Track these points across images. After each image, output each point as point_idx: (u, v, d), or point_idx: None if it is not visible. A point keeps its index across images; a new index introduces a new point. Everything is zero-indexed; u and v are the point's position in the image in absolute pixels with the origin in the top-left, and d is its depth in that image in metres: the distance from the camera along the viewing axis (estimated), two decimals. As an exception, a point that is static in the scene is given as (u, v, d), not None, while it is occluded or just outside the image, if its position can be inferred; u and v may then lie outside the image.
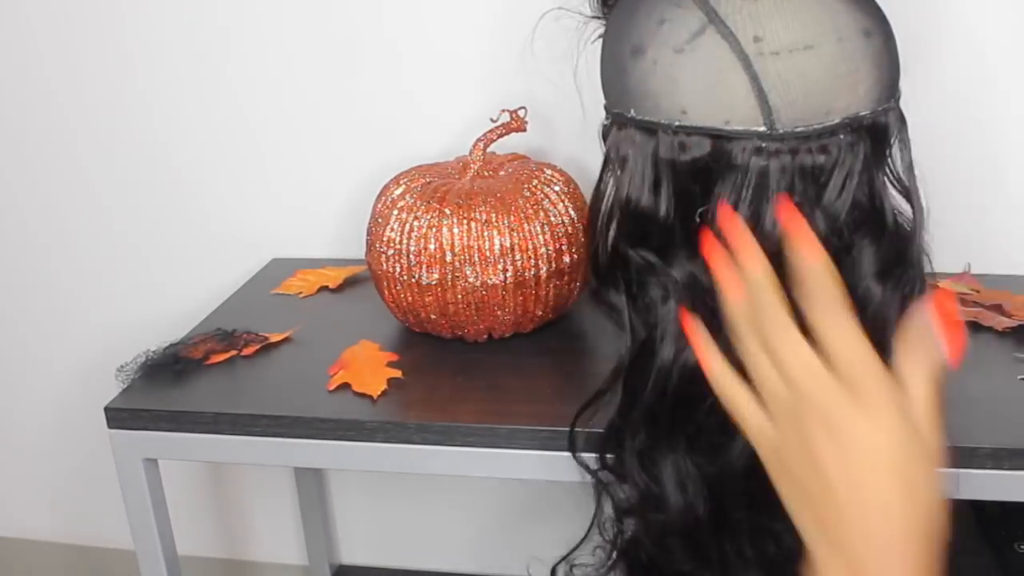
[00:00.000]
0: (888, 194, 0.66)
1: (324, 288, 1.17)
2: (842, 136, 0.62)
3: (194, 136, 1.29)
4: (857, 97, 0.62)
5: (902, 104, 0.66)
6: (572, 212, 0.98)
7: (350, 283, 1.19)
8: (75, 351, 1.45)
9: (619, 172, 0.68)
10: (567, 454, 0.81)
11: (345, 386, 0.92)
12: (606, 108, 0.70)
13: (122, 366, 0.97)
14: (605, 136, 0.71)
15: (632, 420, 0.71)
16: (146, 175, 1.32)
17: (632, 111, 0.66)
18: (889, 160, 0.66)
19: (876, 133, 0.64)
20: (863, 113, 0.63)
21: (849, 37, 0.61)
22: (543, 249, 0.95)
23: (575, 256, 0.98)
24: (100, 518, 1.54)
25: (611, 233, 0.70)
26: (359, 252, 1.04)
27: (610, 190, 0.70)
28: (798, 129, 0.61)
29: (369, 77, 1.21)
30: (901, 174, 0.67)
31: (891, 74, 0.65)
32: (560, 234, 0.96)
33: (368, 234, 1.01)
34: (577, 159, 1.13)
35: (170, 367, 0.97)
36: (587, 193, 1.02)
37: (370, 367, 0.95)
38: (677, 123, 0.63)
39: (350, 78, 1.22)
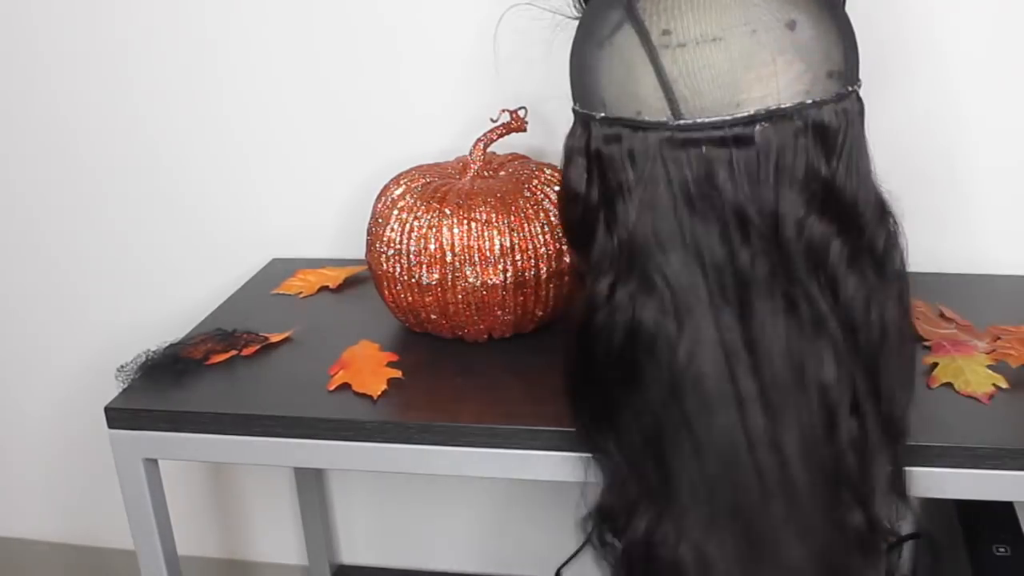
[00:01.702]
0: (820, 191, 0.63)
1: (324, 288, 1.17)
2: (759, 127, 0.61)
3: (195, 136, 1.29)
4: (775, 89, 0.61)
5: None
6: (572, 212, 0.98)
7: (350, 283, 1.19)
8: (75, 351, 1.45)
9: (566, 164, 0.71)
10: (567, 454, 0.81)
11: (345, 386, 0.92)
12: (572, 91, 0.72)
13: (122, 366, 0.97)
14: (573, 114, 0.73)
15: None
16: (146, 175, 1.32)
17: (578, 105, 0.69)
18: (836, 160, 0.64)
19: (806, 126, 0.62)
20: (785, 105, 0.61)
21: (766, 28, 0.61)
22: (543, 249, 0.95)
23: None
24: (100, 518, 1.54)
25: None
26: (359, 252, 1.04)
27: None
28: (706, 119, 0.62)
29: (369, 77, 1.21)
30: (843, 176, 0.64)
31: (827, 66, 0.63)
32: (560, 234, 0.96)
33: (368, 234, 1.01)
34: (577, 159, 1.13)
35: (170, 367, 0.97)
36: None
37: (370, 367, 0.95)
38: (601, 115, 0.66)
39: (350, 78, 1.22)
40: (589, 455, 0.76)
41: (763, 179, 0.62)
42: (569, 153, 0.70)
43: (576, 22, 0.72)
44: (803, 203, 0.62)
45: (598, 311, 0.67)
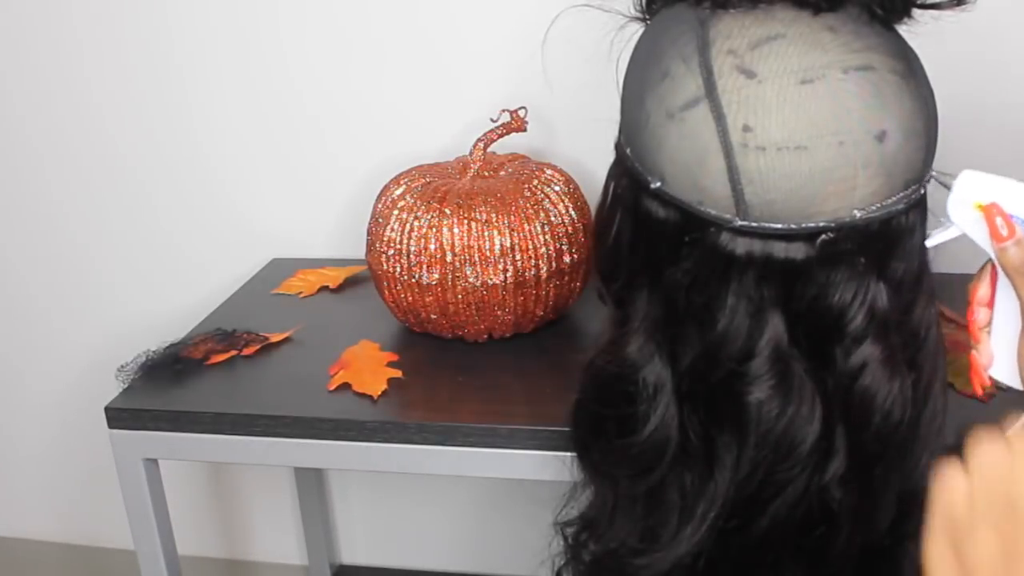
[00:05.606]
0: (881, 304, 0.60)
1: (324, 288, 1.17)
2: (823, 236, 0.58)
3: (194, 137, 1.29)
4: (851, 201, 0.57)
5: None
6: (572, 212, 0.98)
7: (350, 283, 1.19)
8: (75, 351, 1.45)
9: (610, 209, 0.67)
10: (567, 454, 0.81)
11: (345, 386, 0.92)
12: (622, 126, 0.66)
13: (122, 366, 0.97)
14: (617, 150, 0.67)
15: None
16: (146, 176, 1.32)
17: (629, 151, 0.64)
18: (895, 265, 0.61)
19: (872, 238, 0.59)
20: (858, 216, 0.58)
21: (854, 141, 0.56)
22: (543, 249, 0.95)
23: (575, 256, 0.98)
24: (100, 518, 1.54)
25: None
26: (359, 252, 1.04)
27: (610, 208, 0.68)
28: (773, 226, 0.57)
29: (370, 77, 1.21)
30: (903, 280, 0.62)
31: (907, 175, 0.59)
32: (560, 234, 0.96)
33: (368, 234, 1.01)
34: (577, 159, 1.13)
35: (170, 367, 0.97)
36: (588, 193, 1.03)
37: (370, 367, 0.95)
38: (656, 186, 0.61)
39: (350, 79, 1.22)
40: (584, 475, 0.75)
41: (820, 283, 0.59)
42: (615, 203, 0.66)
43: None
44: (856, 314, 0.60)
45: (625, 365, 0.64)
